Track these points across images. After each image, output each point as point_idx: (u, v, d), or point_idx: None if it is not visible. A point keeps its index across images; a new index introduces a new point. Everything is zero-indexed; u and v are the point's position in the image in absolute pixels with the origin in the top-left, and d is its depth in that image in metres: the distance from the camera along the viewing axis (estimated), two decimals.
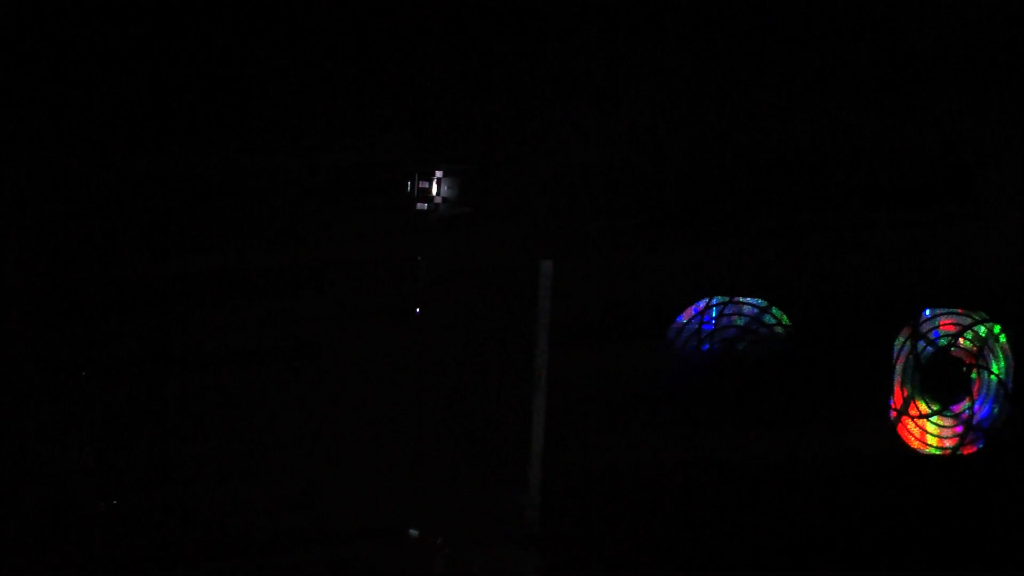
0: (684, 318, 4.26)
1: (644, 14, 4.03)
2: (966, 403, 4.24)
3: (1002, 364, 4.24)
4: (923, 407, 4.25)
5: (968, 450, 4.24)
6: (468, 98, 4.02)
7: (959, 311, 4.24)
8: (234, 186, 3.84)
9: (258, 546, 3.89)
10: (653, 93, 4.12)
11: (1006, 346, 4.23)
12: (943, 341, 4.23)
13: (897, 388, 4.24)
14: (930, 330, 4.23)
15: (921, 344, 4.23)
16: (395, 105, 3.98)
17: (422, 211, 4.03)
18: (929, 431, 4.25)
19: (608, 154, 4.15)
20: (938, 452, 4.25)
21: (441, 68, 3.99)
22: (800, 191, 4.22)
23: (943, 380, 4.24)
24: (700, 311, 4.25)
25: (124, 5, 3.69)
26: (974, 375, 4.24)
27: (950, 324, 4.23)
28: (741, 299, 4.26)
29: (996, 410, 4.24)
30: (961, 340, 4.23)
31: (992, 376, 4.22)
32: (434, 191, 4.03)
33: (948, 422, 4.25)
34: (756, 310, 4.24)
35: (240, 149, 3.84)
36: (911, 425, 4.25)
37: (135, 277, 3.74)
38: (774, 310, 4.25)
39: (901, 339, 4.24)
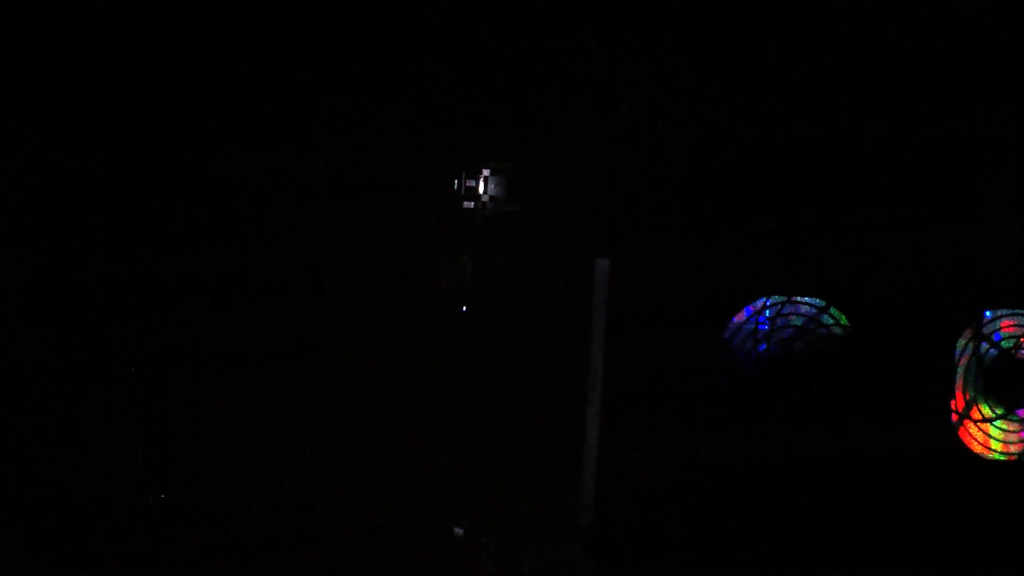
0: (739, 319, 4.21)
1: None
2: None
3: None
4: (986, 411, 4.14)
5: None
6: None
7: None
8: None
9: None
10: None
11: None
12: (1006, 343, 4.12)
13: (958, 391, 4.13)
14: (992, 332, 4.12)
15: (984, 346, 4.12)
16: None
17: (468, 209, 4.05)
18: (993, 436, 4.14)
19: (661, 152, 4.13)
20: (1003, 458, 4.13)
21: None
22: (859, 190, 4.16)
23: (1008, 383, 4.13)
24: (755, 311, 4.20)
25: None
26: None
27: (1012, 326, 4.12)
28: (799, 299, 4.20)
29: None
30: None
31: None
32: (481, 189, 4.05)
33: (1013, 427, 4.13)
34: (814, 310, 4.18)
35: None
36: (973, 429, 4.14)
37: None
38: (832, 310, 4.18)
39: (963, 341, 4.13)
